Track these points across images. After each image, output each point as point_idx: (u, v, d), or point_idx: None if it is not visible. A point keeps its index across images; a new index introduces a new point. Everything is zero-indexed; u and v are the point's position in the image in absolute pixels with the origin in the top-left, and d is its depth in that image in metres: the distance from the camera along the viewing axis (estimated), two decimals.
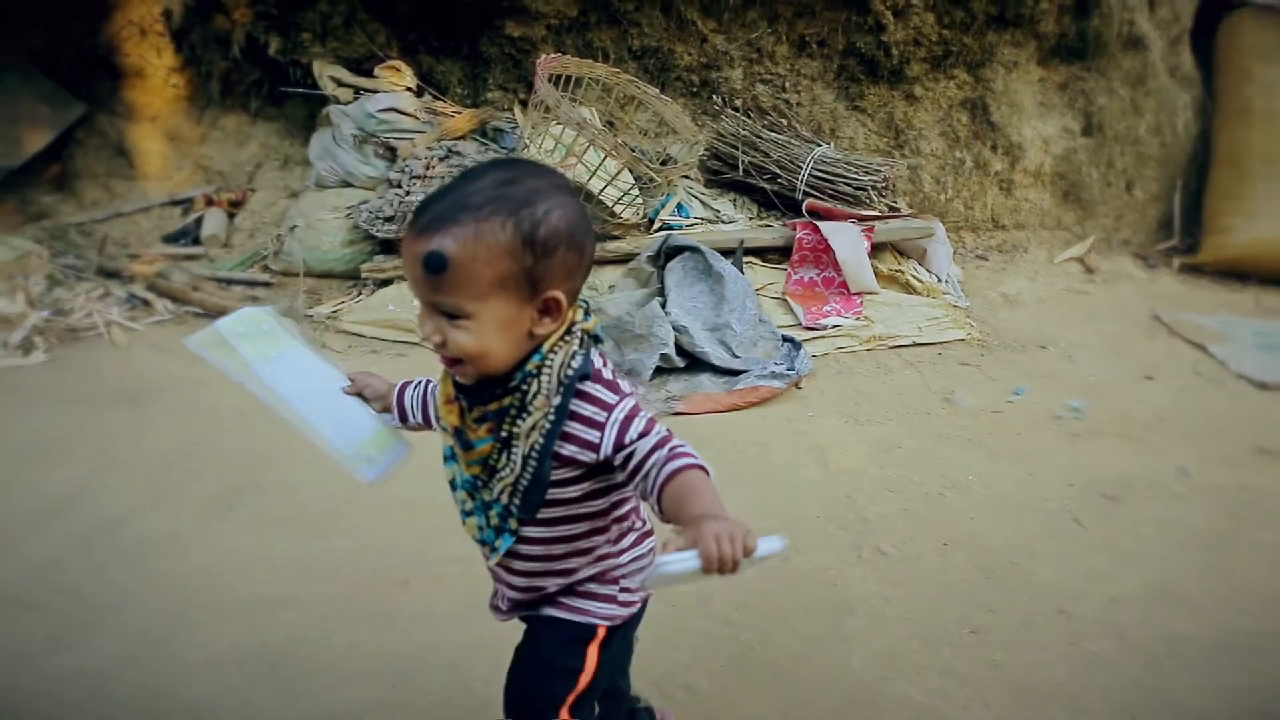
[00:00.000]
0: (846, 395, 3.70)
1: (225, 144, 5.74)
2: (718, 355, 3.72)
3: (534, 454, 1.18)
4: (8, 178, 5.43)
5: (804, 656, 2.14)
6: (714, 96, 5.26)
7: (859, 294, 4.39)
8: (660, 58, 5.29)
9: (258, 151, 5.69)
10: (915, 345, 4.19)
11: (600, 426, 1.17)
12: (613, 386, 1.20)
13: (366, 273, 4.43)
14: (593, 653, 1.34)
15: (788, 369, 3.68)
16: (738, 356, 3.76)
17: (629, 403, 1.19)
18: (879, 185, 4.70)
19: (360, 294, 4.44)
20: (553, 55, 4.44)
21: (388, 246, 4.46)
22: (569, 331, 1.20)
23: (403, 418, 1.49)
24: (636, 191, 4.48)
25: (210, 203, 5.35)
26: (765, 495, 2.90)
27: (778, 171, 4.78)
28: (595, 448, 1.18)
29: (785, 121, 5.14)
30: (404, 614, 2.23)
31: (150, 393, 3.61)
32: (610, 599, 1.35)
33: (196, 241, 5.10)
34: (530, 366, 1.17)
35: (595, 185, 4.22)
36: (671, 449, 1.16)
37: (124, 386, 3.68)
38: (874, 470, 3.09)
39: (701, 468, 1.15)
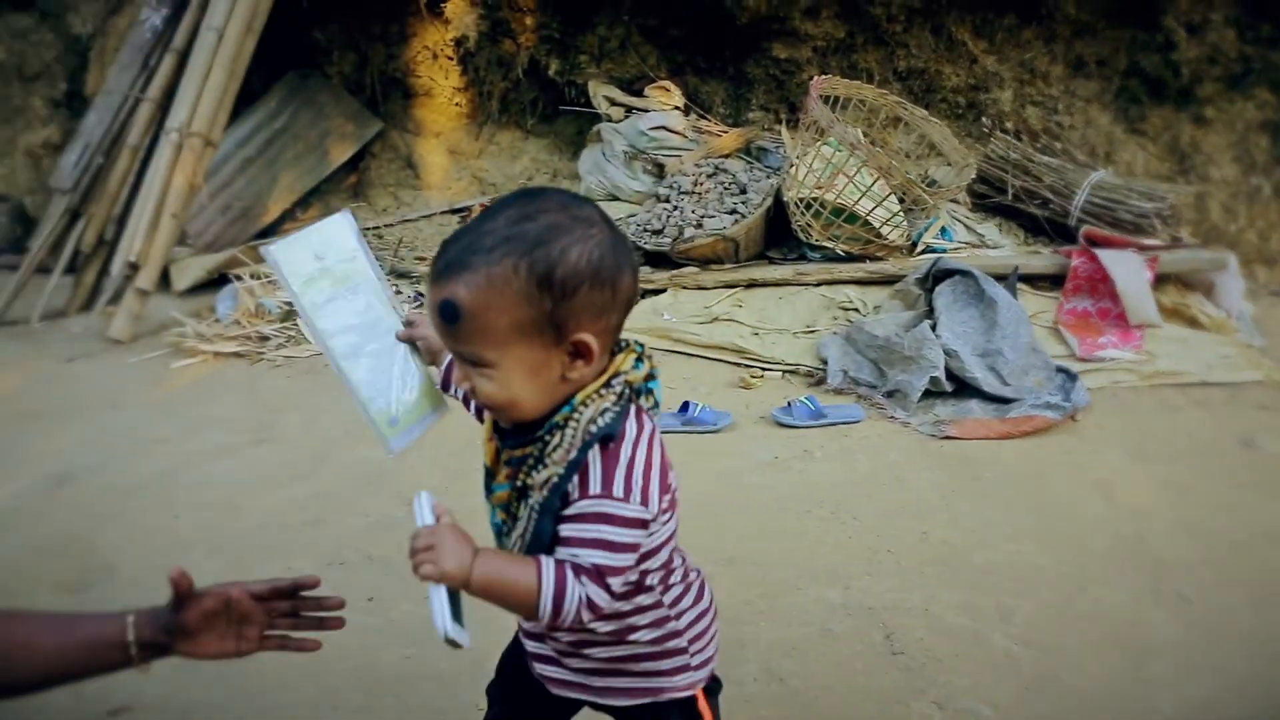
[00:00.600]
0: (1128, 431, 3.51)
1: (500, 158, 6.17)
2: (988, 382, 3.64)
3: (536, 509, 1.08)
4: (315, 186, 6.09)
5: (1102, 697, 2.06)
6: (982, 118, 5.14)
7: (1139, 326, 4.16)
8: (926, 79, 5.23)
9: (529, 165, 6.08)
10: (1204, 384, 3.92)
11: (585, 494, 1.05)
12: (628, 477, 1.06)
13: None
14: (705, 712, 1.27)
15: (1063, 400, 3.55)
16: (1008, 384, 3.65)
17: (618, 509, 1.05)
18: (1164, 213, 4.44)
19: None
20: (824, 76, 4.49)
21: (654, 258, 4.64)
22: (609, 383, 1.09)
23: (445, 385, 1.39)
24: (901, 214, 4.45)
25: None
26: (1046, 527, 2.81)
27: (1050, 196, 4.61)
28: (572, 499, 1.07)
29: (1058, 145, 4.95)
30: None
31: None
32: (684, 669, 1.24)
33: None
34: (558, 418, 1.08)
35: (864, 206, 4.23)
36: (571, 551, 1.05)
37: None
38: (1167, 511, 2.92)
39: (541, 570, 1.03)
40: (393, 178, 6.27)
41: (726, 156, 4.88)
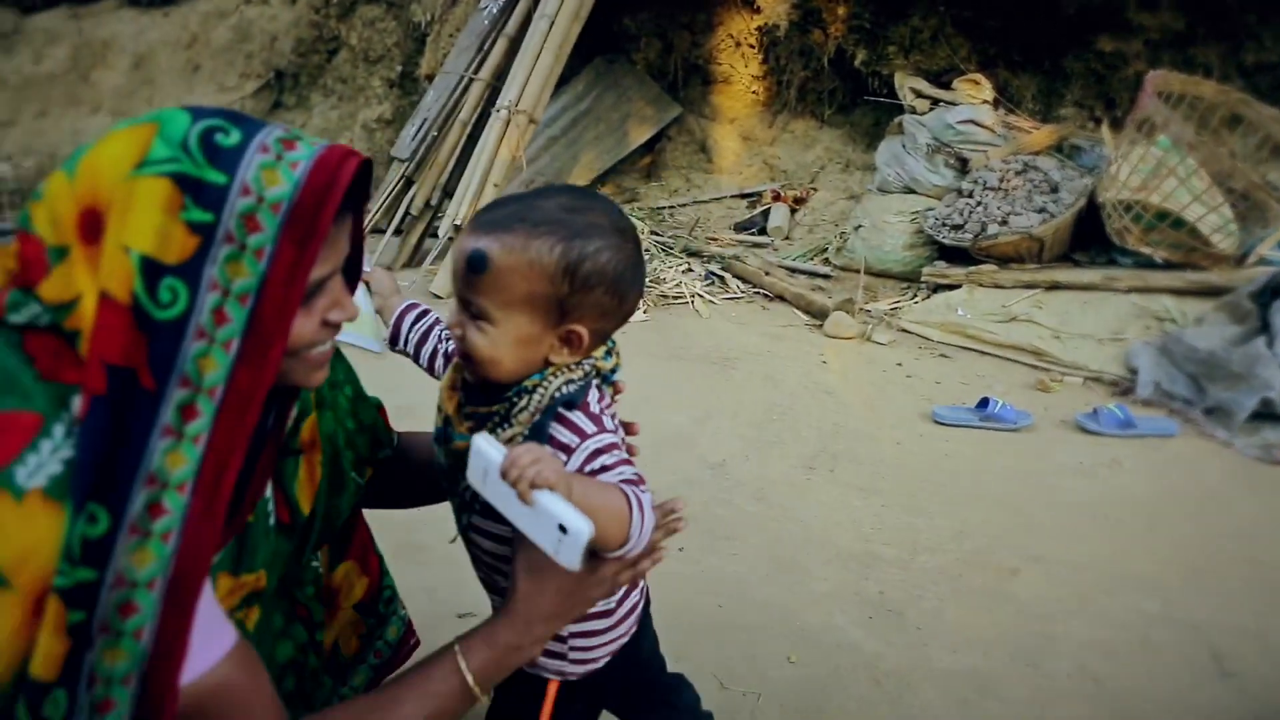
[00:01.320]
0: None
1: (793, 146, 6.25)
2: None
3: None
4: (612, 165, 6.44)
5: None
6: None
7: None
8: (1277, 75, 4.77)
9: (822, 154, 6.12)
10: None
11: (569, 451, 1.11)
12: (596, 419, 1.14)
13: (927, 276, 4.58)
14: (545, 712, 1.27)
15: None
16: None
17: (605, 438, 1.12)
18: None
19: (915, 295, 4.61)
20: (1160, 71, 4.22)
21: (950, 253, 4.56)
22: (580, 363, 1.17)
23: (394, 339, 1.49)
24: (1233, 222, 4.11)
25: (776, 198, 5.87)
26: None
27: None
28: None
29: None
30: (1015, 599, 2.31)
31: (732, 359, 4.08)
32: (558, 655, 1.27)
33: (762, 232, 5.64)
34: (527, 383, 1.14)
35: (1191, 211, 3.94)
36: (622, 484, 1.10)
37: (710, 350, 4.21)
38: None
39: (623, 493, 1.08)
40: (685, 160, 6.51)
41: (1036, 154, 4.69)
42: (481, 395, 1.19)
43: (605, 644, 1.30)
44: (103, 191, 0.82)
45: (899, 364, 4.01)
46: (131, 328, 0.82)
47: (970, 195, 4.54)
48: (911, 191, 5.03)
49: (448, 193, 5.64)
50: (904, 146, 5.12)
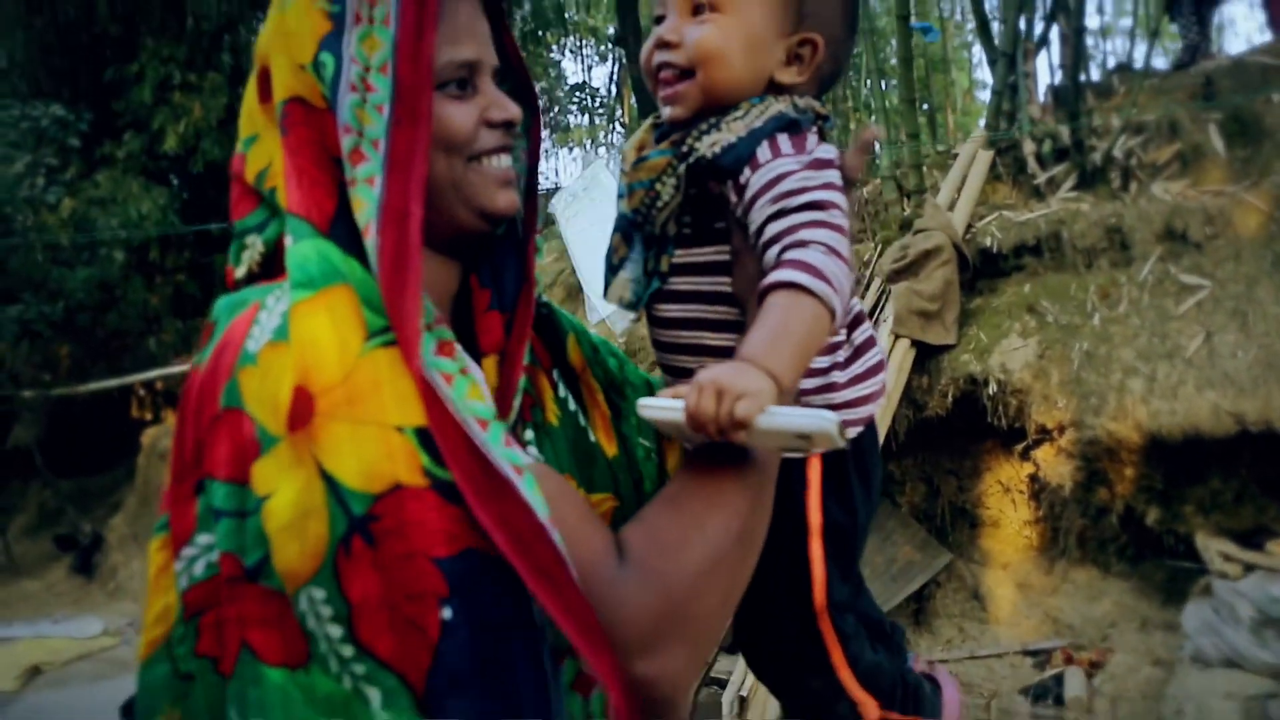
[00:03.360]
0: None
1: (1076, 597, 5.87)
2: None
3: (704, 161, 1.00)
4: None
5: None
6: None
7: None
8: None
9: (1111, 609, 5.69)
10: None
11: (776, 148, 0.98)
12: (802, 146, 0.99)
13: None
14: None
15: None
16: None
17: (805, 159, 0.97)
18: None
19: None
20: None
21: None
22: (805, 99, 1.06)
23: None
24: None
25: (1069, 660, 5.42)
26: None
27: None
28: (740, 190, 0.98)
29: None
30: None
31: None
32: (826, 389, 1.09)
33: (1059, 701, 5.15)
34: (743, 104, 1.02)
35: None
36: (791, 243, 0.92)
37: None
38: None
39: (798, 285, 0.88)
40: (958, 609, 6.23)
41: None
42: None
43: (867, 392, 1.12)
44: None
45: None
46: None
47: None
48: (1236, 665, 4.51)
49: None
50: (1215, 612, 4.68)
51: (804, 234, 0.92)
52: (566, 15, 15.71)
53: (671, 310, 1.10)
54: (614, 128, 18.65)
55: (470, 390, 0.91)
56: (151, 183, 11.45)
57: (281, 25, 0.98)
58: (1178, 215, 5.95)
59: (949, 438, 6.26)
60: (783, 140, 1.00)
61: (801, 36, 1.06)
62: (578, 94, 18.14)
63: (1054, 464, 5.62)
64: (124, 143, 11.63)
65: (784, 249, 0.92)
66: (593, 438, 1.14)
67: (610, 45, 18.43)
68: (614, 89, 18.42)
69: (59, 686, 7.00)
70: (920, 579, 6.26)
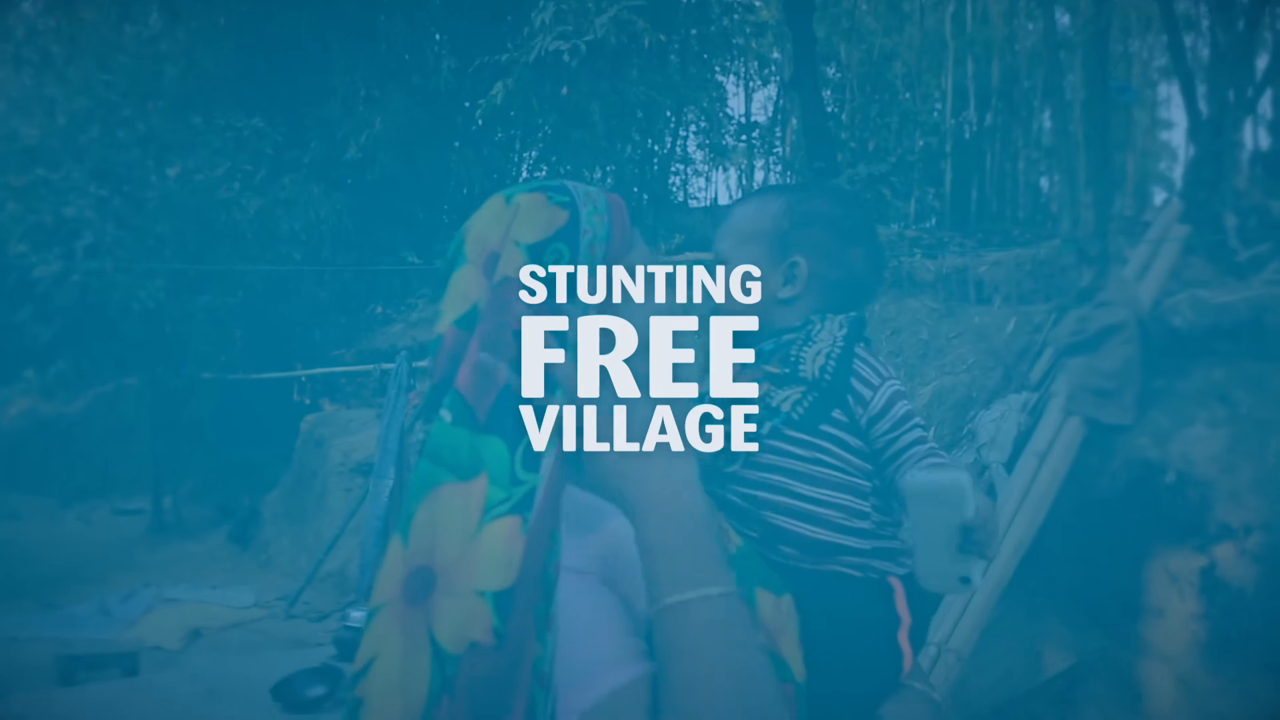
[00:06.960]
0: None
1: (1247, 703, 5.55)
2: None
3: (828, 372, 1.18)
4: (1024, 694, 6.06)
5: None
6: None
7: None
8: None
9: None
10: None
11: (873, 387, 1.19)
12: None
13: None
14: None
15: None
16: None
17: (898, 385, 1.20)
18: None
19: None
20: None
21: None
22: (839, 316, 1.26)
23: None
24: None
25: None
26: None
27: None
28: (865, 402, 1.19)
29: None
30: None
31: None
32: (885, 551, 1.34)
33: None
34: (791, 334, 1.22)
35: None
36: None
37: None
38: None
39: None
40: (1114, 700, 5.98)
41: None
42: None
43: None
44: None
45: None
46: None
47: None
48: None
49: None
50: None
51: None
52: (733, 41, 15.72)
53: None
54: (771, 160, 18.65)
55: None
56: (330, 188, 12.13)
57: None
58: None
59: (1112, 520, 6.02)
60: (862, 365, 1.27)
61: (789, 261, 1.28)
62: (735, 124, 18.16)
63: (1235, 565, 5.33)
64: (309, 149, 12.36)
65: (923, 446, 1.23)
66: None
67: (773, 69, 18.41)
68: (776, 120, 18.38)
69: (214, 651, 7.44)
70: (1070, 659, 6.03)
